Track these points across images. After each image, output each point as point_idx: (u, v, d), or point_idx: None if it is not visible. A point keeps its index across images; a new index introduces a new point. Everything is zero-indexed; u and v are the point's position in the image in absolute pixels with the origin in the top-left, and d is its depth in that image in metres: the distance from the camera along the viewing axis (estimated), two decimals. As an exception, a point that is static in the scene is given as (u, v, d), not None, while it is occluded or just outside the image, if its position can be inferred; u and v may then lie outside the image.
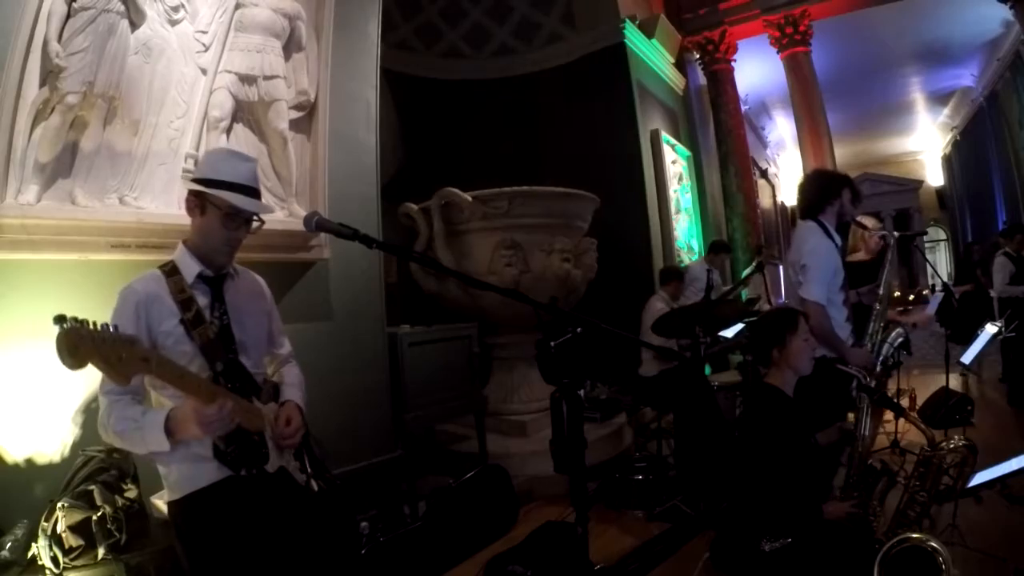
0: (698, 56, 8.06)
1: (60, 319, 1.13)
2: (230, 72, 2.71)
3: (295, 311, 2.87)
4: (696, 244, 7.08)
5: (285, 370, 1.80)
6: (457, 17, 6.25)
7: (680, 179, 6.88)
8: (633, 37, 6.18)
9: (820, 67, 7.76)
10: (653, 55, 6.74)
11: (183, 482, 1.48)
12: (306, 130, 3.05)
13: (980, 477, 1.97)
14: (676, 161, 6.84)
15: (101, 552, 1.90)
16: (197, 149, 2.58)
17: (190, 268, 1.54)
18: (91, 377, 2.12)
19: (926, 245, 14.75)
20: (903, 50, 9.17)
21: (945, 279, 7.44)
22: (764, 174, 12.10)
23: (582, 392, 1.29)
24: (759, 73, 9.02)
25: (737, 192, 7.88)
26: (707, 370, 4.70)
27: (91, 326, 1.16)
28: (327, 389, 2.93)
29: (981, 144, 11.29)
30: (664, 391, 3.93)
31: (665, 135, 6.52)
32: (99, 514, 1.93)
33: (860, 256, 3.97)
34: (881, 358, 2.55)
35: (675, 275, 4.54)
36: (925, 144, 14.79)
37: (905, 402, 4.09)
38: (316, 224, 1.42)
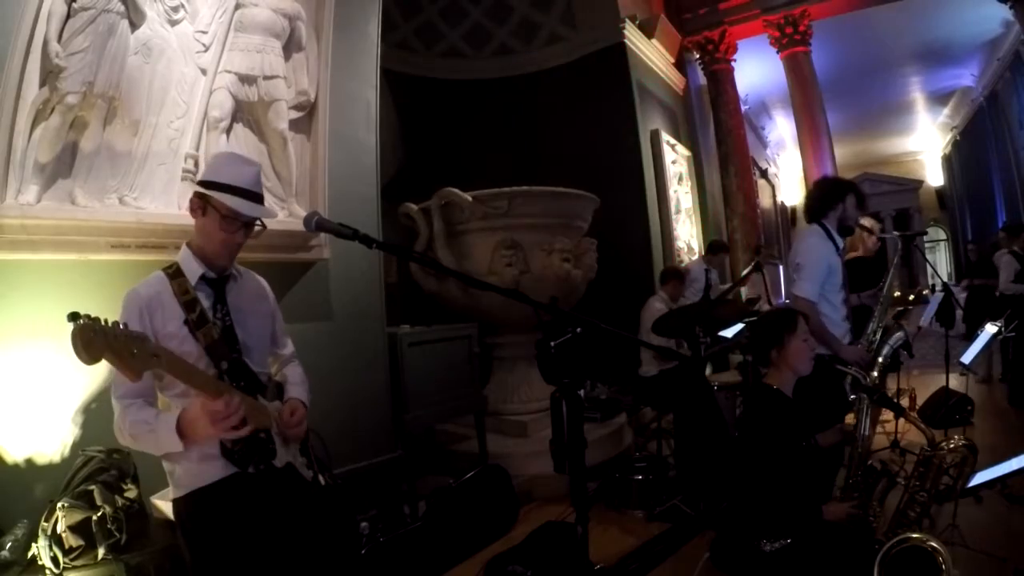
0: (698, 56, 8.06)
1: (74, 316, 1.16)
2: (230, 72, 2.71)
3: (295, 311, 2.87)
4: (696, 244, 7.08)
5: (288, 369, 1.82)
6: (457, 17, 6.25)
7: (680, 179, 6.88)
8: (633, 37, 6.18)
9: (820, 67, 7.77)
10: (653, 55, 6.74)
11: (189, 479, 1.49)
12: (306, 130, 3.05)
13: (980, 477, 1.97)
14: (676, 161, 6.84)
15: (101, 552, 1.90)
16: (197, 149, 2.59)
17: (193, 269, 1.56)
18: (91, 377, 2.14)
19: (926, 245, 14.75)
20: (903, 50, 9.17)
21: (945, 279, 7.44)
22: (764, 174, 12.11)
23: (582, 392, 1.29)
24: (759, 73, 9.02)
25: (737, 192, 7.88)
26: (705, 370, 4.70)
27: (104, 323, 1.19)
28: (327, 389, 2.92)
29: (981, 144, 11.30)
30: (664, 391, 3.93)
31: (665, 135, 6.52)
32: (99, 514, 1.93)
33: (857, 254, 3.98)
34: (880, 358, 2.57)
35: (673, 275, 4.54)
36: (925, 144, 14.80)
37: (905, 402, 4.09)
38: (316, 224, 1.42)
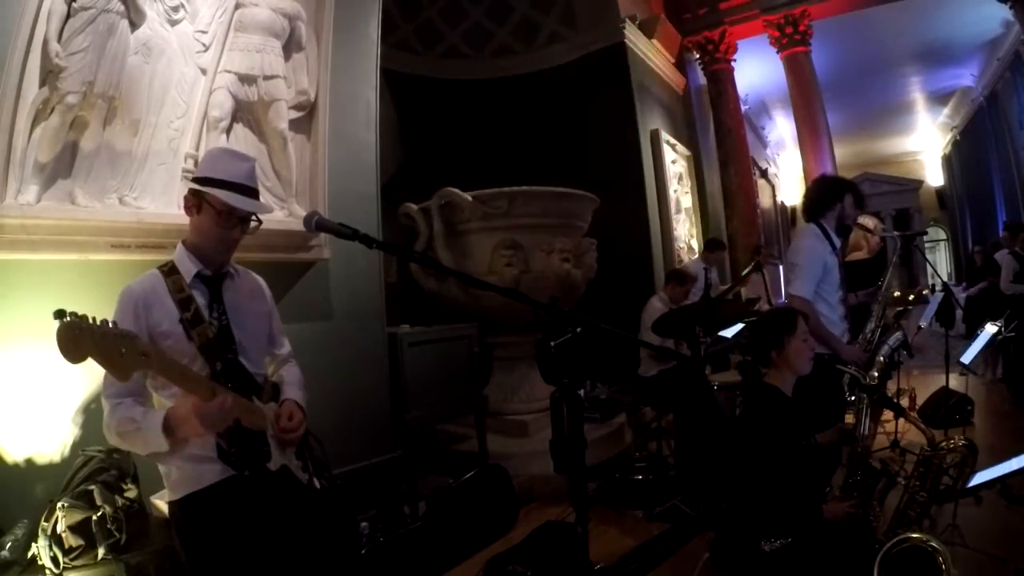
0: (698, 56, 8.06)
1: (60, 313, 1.14)
2: (230, 72, 2.71)
3: (295, 311, 2.87)
4: (696, 244, 7.08)
5: (285, 370, 1.79)
6: (457, 17, 6.25)
7: (680, 179, 6.88)
8: (633, 37, 6.18)
9: (820, 67, 7.76)
10: (653, 55, 6.74)
11: (185, 482, 1.47)
12: (306, 130, 3.05)
13: (980, 477, 1.97)
14: (676, 161, 6.84)
15: (101, 552, 1.90)
16: (197, 149, 2.59)
17: (188, 267, 1.54)
18: (91, 377, 2.14)
19: (926, 245, 14.75)
20: (903, 50, 9.17)
21: (945, 279, 7.44)
22: (764, 174, 12.11)
23: (582, 392, 1.29)
24: (759, 73, 9.02)
25: (737, 192, 7.88)
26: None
27: (91, 321, 1.17)
28: (327, 389, 2.93)
29: (981, 144, 11.29)
30: (664, 391, 3.93)
31: (665, 135, 6.52)
32: (99, 514, 1.93)
33: (861, 255, 3.98)
34: (879, 358, 2.57)
35: (672, 278, 4.54)
36: (925, 144, 14.79)
37: (905, 402, 4.09)
38: (316, 224, 1.41)
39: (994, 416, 4.55)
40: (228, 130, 2.73)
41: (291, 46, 2.97)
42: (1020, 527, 2.60)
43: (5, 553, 1.86)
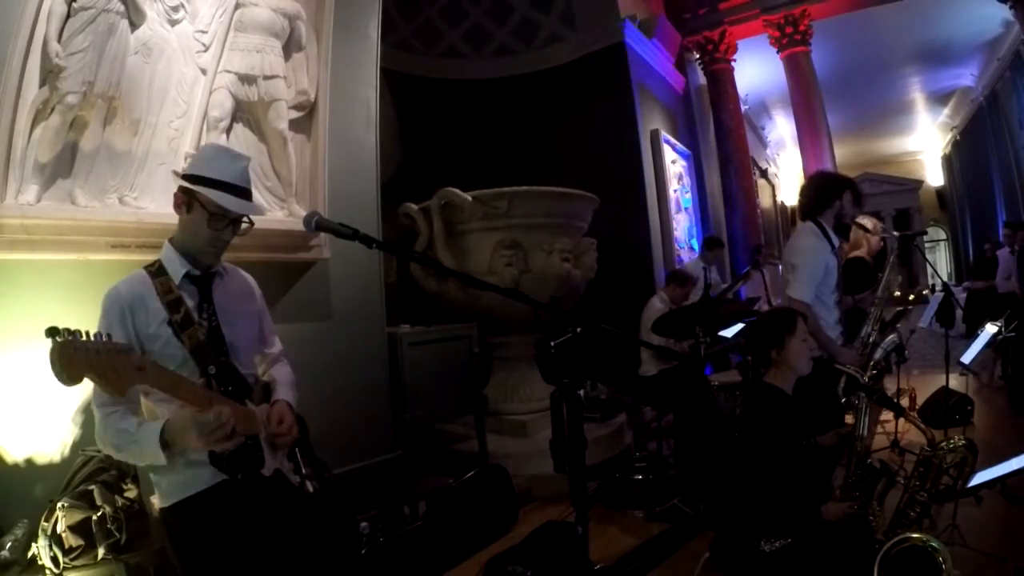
0: (698, 56, 8.06)
1: (52, 331, 1.09)
2: (230, 72, 2.71)
3: (295, 311, 2.87)
4: (696, 244, 7.08)
5: (275, 369, 1.75)
6: (457, 17, 6.25)
7: (680, 179, 6.88)
8: (633, 37, 6.18)
9: (820, 67, 7.77)
10: (653, 55, 6.74)
11: (176, 488, 1.44)
12: (306, 130, 3.05)
13: (980, 477, 1.97)
14: (676, 161, 6.84)
15: (101, 552, 1.91)
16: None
17: (177, 267, 1.50)
18: (91, 377, 2.14)
19: (926, 245, 14.75)
20: (903, 50, 9.17)
21: (945, 279, 7.45)
22: (764, 174, 12.11)
23: (582, 392, 1.29)
24: (759, 73, 9.02)
25: (737, 192, 7.88)
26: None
27: (84, 336, 1.13)
28: (327, 389, 2.93)
29: (981, 144, 11.29)
30: (664, 391, 3.93)
31: (665, 135, 6.52)
32: (99, 514, 1.93)
33: (860, 253, 3.97)
34: (873, 361, 2.55)
35: (673, 279, 4.54)
36: (925, 144, 14.80)
37: (905, 402, 4.09)
38: (316, 224, 1.40)
39: (994, 416, 4.55)
40: (228, 130, 2.73)
41: (291, 46, 2.97)
42: (1020, 527, 2.60)
43: (5, 553, 1.86)
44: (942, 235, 16.17)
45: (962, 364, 3.65)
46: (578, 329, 1.28)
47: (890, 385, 4.15)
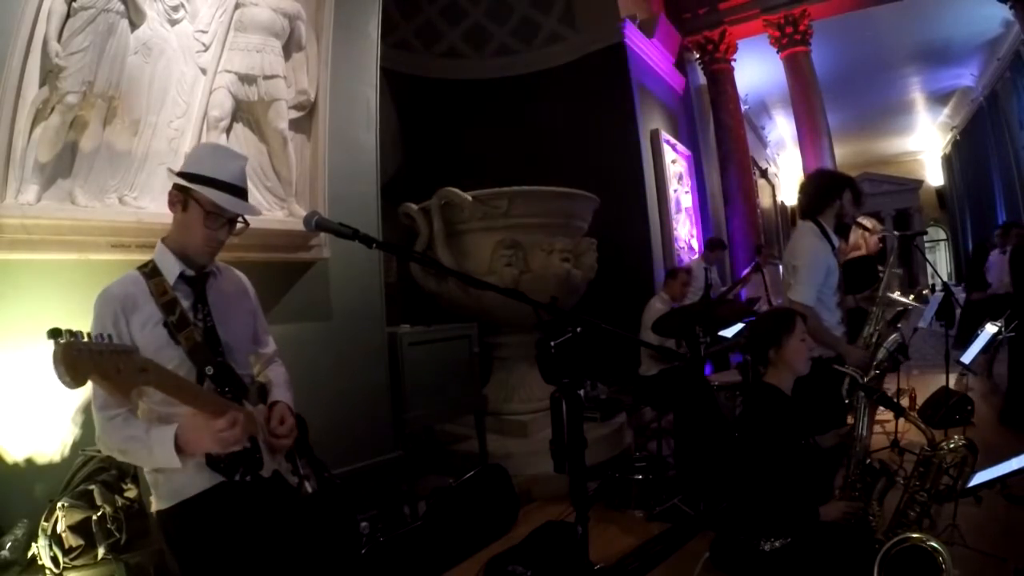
0: (698, 56, 8.06)
1: (55, 333, 1.07)
2: (230, 72, 2.71)
3: (295, 311, 2.87)
4: (696, 244, 7.09)
5: (271, 370, 1.74)
6: (457, 17, 6.25)
7: (680, 179, 6.88)
8: (633, 37, 6.18)
9: (820, 67, 7.76)
10: (653, 55, 6.74)
11: (173, 490, 1.42)
12: (306, 130, 3.05)
13: (980, 477, 1.97)
14: (676, 161, 6.84)
15: (101, 552, 1.90)
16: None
17: (171, 268, 1.48)
18: (91, 377, 2.14)
19: (926, 245, 14.75)
20: (903, 50, 9.17)
21: (945, 279, 7.45)
22: (764, 174, 12.11)
23: (582, 392, 1.29)
24: (759, 73, 9.02)
25: (737, 192, 7.88)
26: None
27: (86, 338, 1.11)
28: (327, 389, 2.93)
29: (981, 144, 11.29)
30: (664, 391, 3.93)
31: (665, 135, 6.52)
32: (99, 514, 1.93)
33: (860, 252, 3.96)
34: (875, 361, 2.55)
35: (670, 275, 4.54)
36: (925, 144, 14.80)
37: (905, 402, 4.09)
38: (316, 224, 1.40)
39: (994, 416, 4.55)
40: (228, 130, 2.73)
41: (291, 46, 2.97)
42: (1020, 527, 2.60)
43: (5, 553, 1.86)
44: (942, 235, 16.17)
45: (962, 364, 3.65)
46: (578, 329, 1.28)
47: (890, 385, 4.15)
